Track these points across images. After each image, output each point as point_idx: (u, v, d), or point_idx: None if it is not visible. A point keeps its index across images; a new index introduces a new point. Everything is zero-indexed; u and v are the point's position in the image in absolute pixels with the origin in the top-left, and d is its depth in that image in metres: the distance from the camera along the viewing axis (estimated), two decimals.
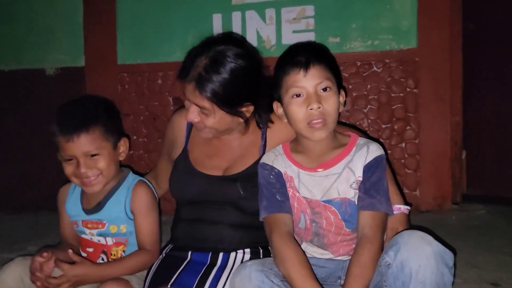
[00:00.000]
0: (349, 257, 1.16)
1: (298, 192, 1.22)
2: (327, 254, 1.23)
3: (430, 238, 1.00)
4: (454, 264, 1.02)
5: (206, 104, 1.24)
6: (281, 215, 1.19)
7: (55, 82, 2.56)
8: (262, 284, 1.05)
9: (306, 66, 1.16)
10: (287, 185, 1.24)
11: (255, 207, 1.25)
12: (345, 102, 1.26)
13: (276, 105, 1.26)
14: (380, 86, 2.21)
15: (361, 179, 1.19)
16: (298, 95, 1.17)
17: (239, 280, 1.07)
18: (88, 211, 1.35)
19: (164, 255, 1.34)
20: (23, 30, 2.58)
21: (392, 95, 2.21)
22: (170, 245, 1.38)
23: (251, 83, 1.27)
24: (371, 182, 1.17)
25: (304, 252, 1.14)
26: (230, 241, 1.30)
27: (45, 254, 1.21)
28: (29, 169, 2.63)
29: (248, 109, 1.30)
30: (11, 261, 1.25)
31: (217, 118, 1.27)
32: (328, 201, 1.20)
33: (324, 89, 1.16)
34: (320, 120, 1.15)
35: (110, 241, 1.34)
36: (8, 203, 2.65)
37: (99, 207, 1.34)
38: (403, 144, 2.21)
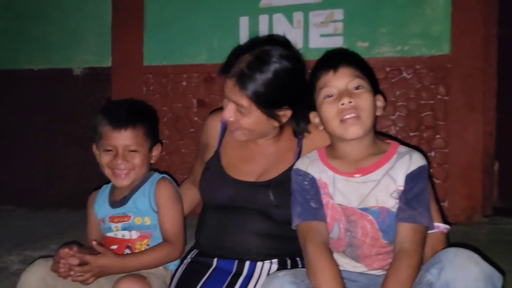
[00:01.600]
0: (384, 272, 1.10)
1: (333, 199, 1.17)
2: (360, 267, 1.17)
3: (477, 257, 0.95)
4: (503, 287, 0.96)
5: (245, 102, 1.22)
6: (316, 223, 1.15)
7: (82, 81, 2.60)
8: None
9: (335, 66, 1.15)
10: (321, 191, 1.19)
11: (286, 215, 1.21)
12: (384, 107, 1.22)
13: (313, 115, 1.23)
14: (409, 92, 2.15)
15: (402, 188, 1.13)
16: (329, 96, 1.14)
17: None
18: (114, 204, 1.41)
19: (189, 260, 1.32)
20: (54, 31, 2.64)
21: (421, 102, 2.14)
22: (195, 250, 1.35)
23: (293, 87, 1.24)
24: (413, 193, 1.11)
25: (338, 266, 1.09)
26: (257, 251, 1.25)
27: (70, 248, 1.24)
28: (53, 167, 2.67)
29: (285, 114, 1.27)
30: (33, 262, 1.26)
31: (253, 118, 1.24)
32: (365, 209, 1.14)
33: (356, 87, 1.13)
34: (352, 115, 1.11)
35: (134, 234, 1.37)
36: (32, 200, 2.69)
37: (125, 200, 1.40)
38: (432, 153, 2.14)
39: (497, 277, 0.95)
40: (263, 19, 2.26)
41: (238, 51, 1.26)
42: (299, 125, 1.32)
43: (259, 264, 1.24)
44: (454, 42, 2.08)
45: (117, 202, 1.41)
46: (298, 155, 1.32)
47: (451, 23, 2.07)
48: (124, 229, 1.38)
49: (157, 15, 2.44)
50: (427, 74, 2.13)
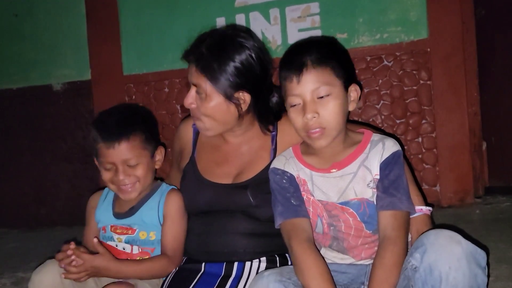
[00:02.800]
0: (372, 261, 1.10)
1: (313, 196, 1.17)
2: (348, 259, 1.17)
3: (459, 237, 0.94)
4: (487, 263, 0.96)
5: (203, 83, 1.23)
6: (299, 220, 1.14)
7: (63, 97, 2.57)
8: None
9: (299, 72, 1.09)
10: (301, 189, 1.18)
11: (268, 214, 1.20)
12: (360, 97, 1.19)
13: (287, 106, 1.19)
14: (391, 80, 2.15)
15: (378, 177, 1.12)
16: (294, 105, 1.12)
17: None
18: (119, 215, 1.35)
19: (177, 268, 1.30)
20: (29, 47, 2.59)
21: (405, 88, 2.14)
22: (183, 258, 1.34)
23: (250, 70, 1.25)
24: (389, 180, 1.11)
25: (325, 261, 1.08)
26: (244, 251, 1.25)
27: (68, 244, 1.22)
28: (43, 186, 2.63)
29: (245, 98, 1.26)
30: (44, 262, 1.23)
31: (212, 103, 1.24)
32: (345, 203, 1.14)
33: (321, 96, 1.09)
34: (317, 130, 1.10)
35: (136, 250, 1.33)
36: (24, 221, 2.65)
37: (131, 211, 1.34)
38: (420, 139, 2.14)
39: (480, 254, 0.94)
40: (240, 19, 2.24)
41: (199, 37, 1.29)
42: (262, 116, 1.31)
43: (247, 264, 1.23)
44: (432, 26, 2.07)
45: (122, 213, 1.35)
46: (274, 153, 1.31)
47: (427, 7, 2.07)
48: (127, 242, 1.33)
49: (133, 23, 2.41)
50: (408, 60, 2.12)
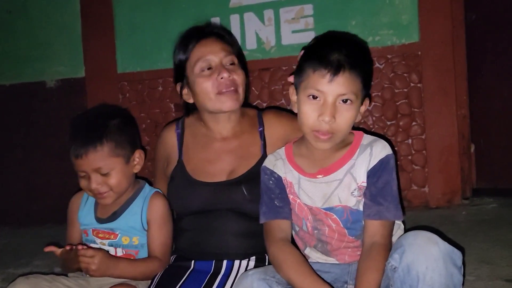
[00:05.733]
0: (355, 261, 1.12)
1: (299, 198, 1.17)
2: (331, 260, 1.19)
3: (436, 238, 0.96)
4: (464, 263, 0.98)
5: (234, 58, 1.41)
6: (278, 222, 1.16)
7: (56, 94, 2.56)
8: None
9: (335, 72, 1.03)
10: (287, 190, 1.19)
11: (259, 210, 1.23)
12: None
13: (291, 90, 1.15)
14: (383, 82, 2.17)
15: (365, 184, 1.11)
16: (314, 97, 1.07)
17: None
18: (101, 220, 1.33)
19: (166, 265, 1.32)
20: (23, 44, 2.58)
21: (396, 91, 2.17)
22: (174, 255, 1.36)
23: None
24: (377, 188, 1.10)
25: (301, 253, 1.11)
26: (236, 251, 1.27)
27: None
28: (34, 183, 2.62)
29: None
30: (13, 281, 1.21)
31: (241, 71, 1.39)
32: (330, 209, 1.14)
33: (345, 101, 1.06)
34: (328, 136, 1.07)
35: (120, 252, 1.32)
36: (14, 217, 2.64)
37: (114, 216, 1.33)
38: (410, 140, 2.17)
39: (457, 254, 0.96)
40: (234, 19, 2.26)
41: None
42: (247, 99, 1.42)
43: (236, 262, 1.26)
44: (423, 30, 2.11)
45: (105, 218, 1.33)
46: (264, 148, 1.34)
47: (419, 11, 2.10)
48: (110, 245, 1.32)
49: (128, 21, 2.41)
50: (399, 63, 2.15)
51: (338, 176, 1.13)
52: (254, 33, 2.24)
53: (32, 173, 2.62)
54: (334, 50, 1.06)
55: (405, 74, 2.16)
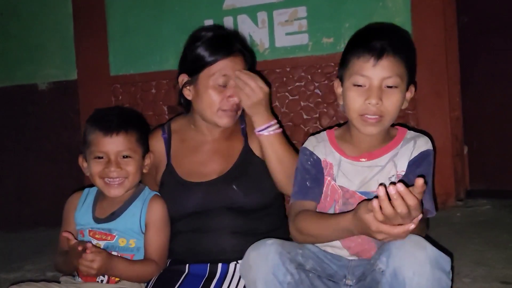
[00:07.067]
0: (355, 258, 1.11)
1: (335, 181, 1.17)
2: (341, 252, 1.16)
3: (424, 242, 0.95)
4: (452, 268, 0.98)
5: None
6: (304, 202, 1.16)
7: (48, 96, 2.54)
8: (276, 269, 1.00)
9: (379, 55, 1.07)
10: (325, 172, 1.18)
11: (255, 201, 1.24)
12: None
13: (336, 83, 1.19)
14: None
15: (403, 173, 1.12)
16: (359, 85, 1.09)
17: (255, 255, 1.03)
18: (99, 220, 1.33)
19: (162, 270, 1.31)
20: (14, 46, 2.56)
21: None
22: (169, 259, 1.35)
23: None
24: (415, 176, 1.06)
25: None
26: (232, 249, 1.27)
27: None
28: (26, 186, 2.60)
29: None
30: None
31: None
32: (366, 193, 1.14)
33: (390, 86, 1.08)
34: (375, 117, 1.09)
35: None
36: (6, 221, 2.61)
37: (112, 216, 1.33)
38: None
39: (445, 259, 0.96)
40: (228, 21, 2.25)
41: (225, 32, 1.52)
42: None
43: (232, 265, 1.25)
44: (416, 32, 2.11)
45: (103, 218, 1.33)
46: (244, 131, 1.40)
47: (411, 13, 2.11)
48: (105, 247, 1.31)
49: (121, 23, 2.40)
50: None
51: (381, 162, 1.15)
52: (247, 35, 2.24)
53: (24, 176, 2.60)
54: (377, 37, 1.11)
55: None
